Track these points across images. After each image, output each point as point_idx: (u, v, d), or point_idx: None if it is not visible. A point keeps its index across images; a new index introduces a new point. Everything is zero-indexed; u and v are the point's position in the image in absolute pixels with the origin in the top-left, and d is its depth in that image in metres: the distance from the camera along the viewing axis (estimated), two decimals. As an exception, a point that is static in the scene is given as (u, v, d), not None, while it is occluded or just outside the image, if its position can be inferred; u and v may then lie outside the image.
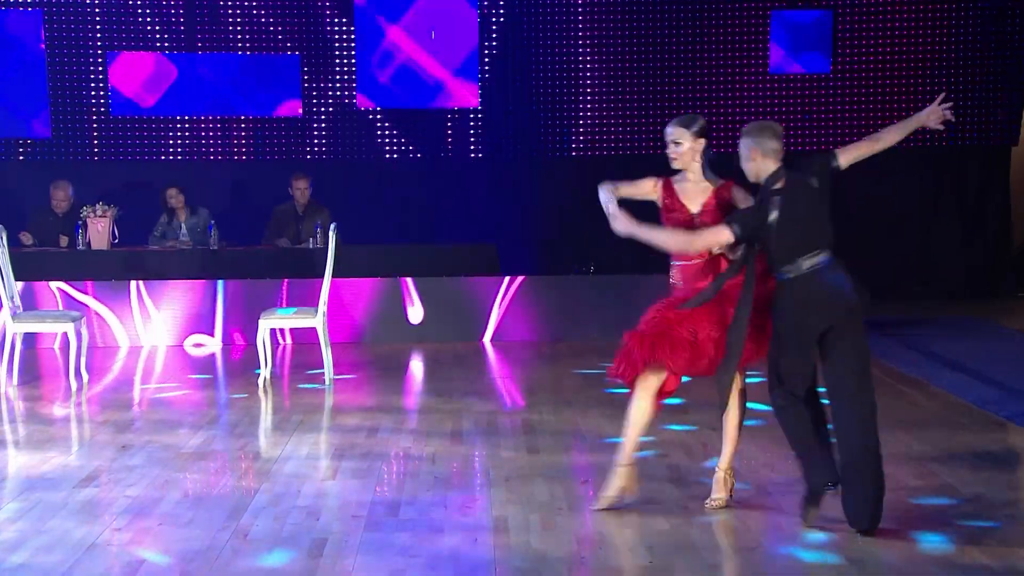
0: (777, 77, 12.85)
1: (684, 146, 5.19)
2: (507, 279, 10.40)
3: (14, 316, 8.24)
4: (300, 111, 12.58)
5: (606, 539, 4.80)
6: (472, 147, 12.72)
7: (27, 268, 9.77)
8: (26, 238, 10.70)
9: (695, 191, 5.21)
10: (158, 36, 12.42)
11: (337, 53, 12.61)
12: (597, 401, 7.65)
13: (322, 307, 8.51)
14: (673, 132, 5.21)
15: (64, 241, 10.70)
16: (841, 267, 4.92)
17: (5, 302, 8.21)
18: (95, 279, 10.24)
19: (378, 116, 12.62)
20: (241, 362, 9.44)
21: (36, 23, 12.26)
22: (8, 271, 8.24)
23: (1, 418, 7.44)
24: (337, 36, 12.60)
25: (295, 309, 8.74)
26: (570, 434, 6.72)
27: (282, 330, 10.24)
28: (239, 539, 4.82)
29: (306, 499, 5.39)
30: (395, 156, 12.68)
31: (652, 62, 12.78)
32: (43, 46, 12.29)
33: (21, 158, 12.44)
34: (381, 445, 6.45)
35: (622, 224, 5.02)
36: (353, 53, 12.56)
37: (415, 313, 10.39)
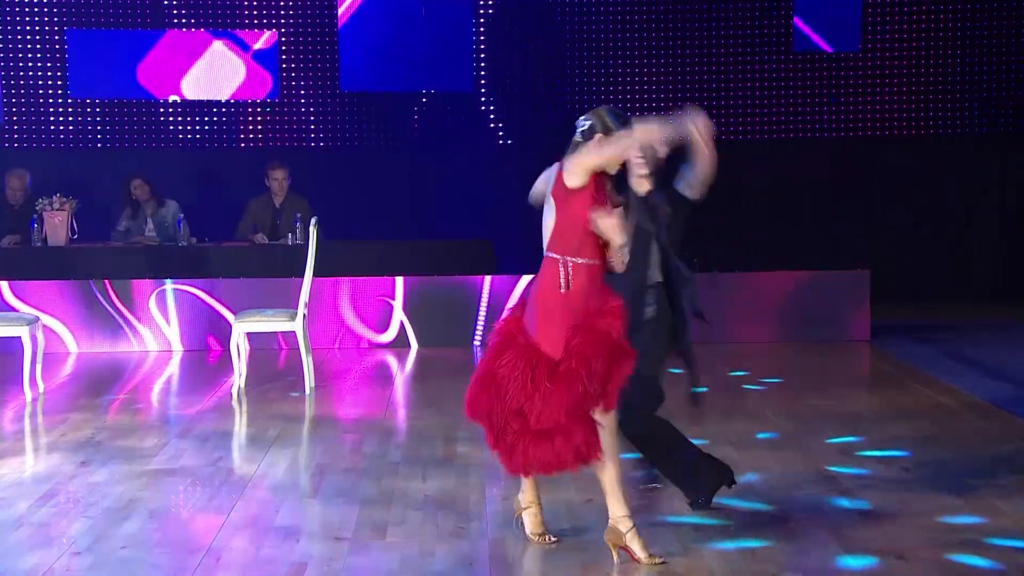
0: (801, 56, 12.85)
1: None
2: (499, 278, 10.41)
3: (-37, 319, 8.24)
4: (277, 94, 12.58)
5: (609, 559, 4.79)
6: (465, 134, 12.72)
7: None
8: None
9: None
10: (122, 12, 12.42)
11: (318, 30, 12.61)
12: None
13: (302, 309, 8.50)
14: None
15: (8, 241, 10.64)
16: None
17: (-47, 304, 8.22)
18: (52, 278, 10.23)
19: (363, 100, 12.62)
20: (213, 369, 9.43)
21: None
22: (-44, 269, 8.24)
23: (-51, 431, 7.43)
24: (318, 11, 12.60)
25: (272, 311, 8.74)
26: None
27: (258, 334, 10.22)
28: (211, 564, 4.82)
29: (284, 519, 5.39)
30: (381, 144, 12.68)
31: (664, 41, 12.79)
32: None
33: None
34: (367, 460, 6.45)
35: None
36: (336, 30, 12.56)
37: (403, 315, 10.39)
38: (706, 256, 11.45)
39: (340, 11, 12.51)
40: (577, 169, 4.72)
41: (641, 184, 5.36)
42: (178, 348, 10.27)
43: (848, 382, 8.94)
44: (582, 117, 4.90)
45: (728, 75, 12.83)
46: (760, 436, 6.98)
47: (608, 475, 4.77)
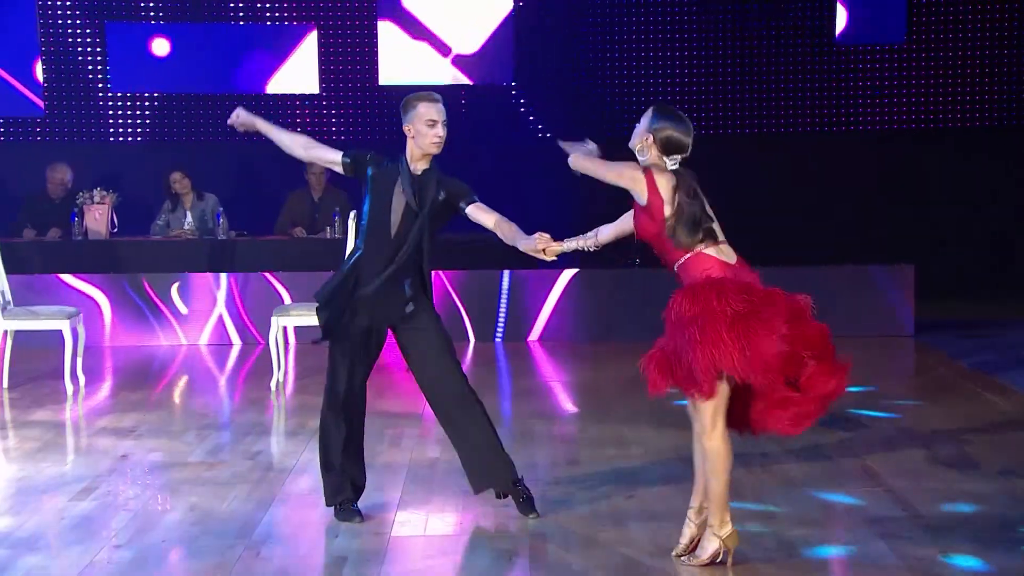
0: (845, 48, 12.75)
1: (638, 141, 4.84)
2: (535, 273, 10.39)
3: (4, 312, 8.31)
4: (317, 87, 12.61)
5: (655, 561, 4.77)
6: (503, 126, 12.71)
7: (18, 259, 9.84)
8: (28, 234, 10.78)
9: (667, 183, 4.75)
10: (162, 5, 12.49)
11: (357, 23, 12.63)
12: (643, 409, 7.61)
13: (341, 303, 8.50)
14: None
15: (55, 234, 10.74)
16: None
17: (-5, 297, 8.28)
18: (92, 271, 10.31)
19: (402, 93, 12.62)
20: (252, 363, 9.47)
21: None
22: (-2, 263, 8.31)
23: (-9, 424, 7.50)
24: (356, 4, 12.63)
25: (311, 305, 8.74)
26: (613, 445, 6.70)
27: (297, 328, 10.25)
28: (251, 558, 4.84)
29: (324, 514, 5.39)
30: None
31: (702, 31, 12.72)
32: (37, 15, 12.39)
33: (11, 138, 12.55)
34: (405, 455, 6.46)
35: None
36: (374, 23, 12.58)
37: (444, 309, 10.38)
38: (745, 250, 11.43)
39: (375, 2, 12.53)
40: None
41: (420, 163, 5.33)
42: (217, 342, 10.32)
43: (892, 376, 8.87)
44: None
45: (770, 67, 12.75)
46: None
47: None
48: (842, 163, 12.71)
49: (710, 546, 4.68)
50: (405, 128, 5.31)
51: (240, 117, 5.56)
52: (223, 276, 10.36)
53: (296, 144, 5.58)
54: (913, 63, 12.74)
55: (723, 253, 4.77)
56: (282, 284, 10.29)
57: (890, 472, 5.99)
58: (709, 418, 4.62)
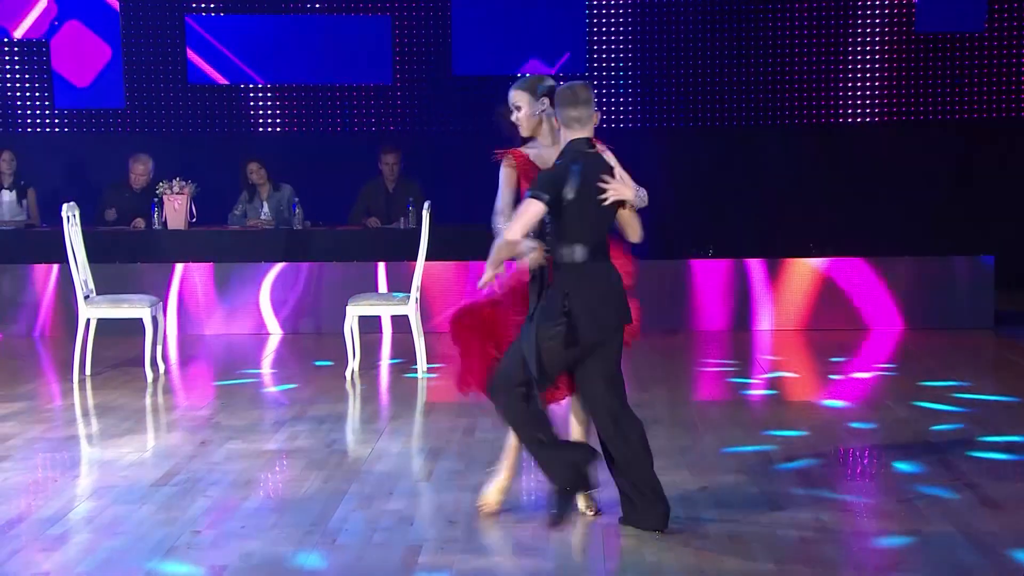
0: (924, 36, 12.58)
1: (523, 111, 5.17)
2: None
3: (87, 300, 8.47)
4: (391, 78, 12.68)
5: (729, 555, 4.76)
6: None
7: (100, 248, 10.00)
8: (110, 215, 10.98)
9: (552, 156, 5.09)
10: (238, -2, 12.64)
11: (431, 14, 12.68)
12: (717, 401, 7.61)
13: (415, 293, 8.58)
14: (512, 96, 5.22)
15: (140, 224, 10.93)
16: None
17: (78, 285, 8.44)
18: (172, 261, 10.47)
19: (475, 83, 12.66)
20: (327, 352, 9.56)
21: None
22: (81, 252, 8.47)
23: (73, 411, 7.66)
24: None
25: (386, 295, 8.83)
26: (686, 434, 6.68)
27: (369, 317, 10.34)
28: (327, 545, 4.90)
29: (398, 502, 5.45)
30: (494, 127, 12.70)
31: (776, 21, 12.61)
32: (119, 10, 12.58)
33: (93, 130, 12.77)
34: (479, 445, 6.49)
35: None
36: (448, 14, 12.62)
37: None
38: (824, 241, 11.36)
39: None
40: None
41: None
42: (293, 331, 10.44)
43: (972, 369, 8.75)
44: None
45: (844, 57, 12.61)
46: (879, 425, 6.88)
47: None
48: (922, 153, 12.54)
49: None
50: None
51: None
52: (300, 265, 10.47)
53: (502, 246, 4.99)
54: (994, 52, 12.53)
55: None
56: (356, 274, 10.38)
57: (971, 467, 5.92)
58: None
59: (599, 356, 4.90)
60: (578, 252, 4.84)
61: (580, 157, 4.88)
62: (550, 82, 5.26)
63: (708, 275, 10.40)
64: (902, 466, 5.99)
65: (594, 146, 4.96)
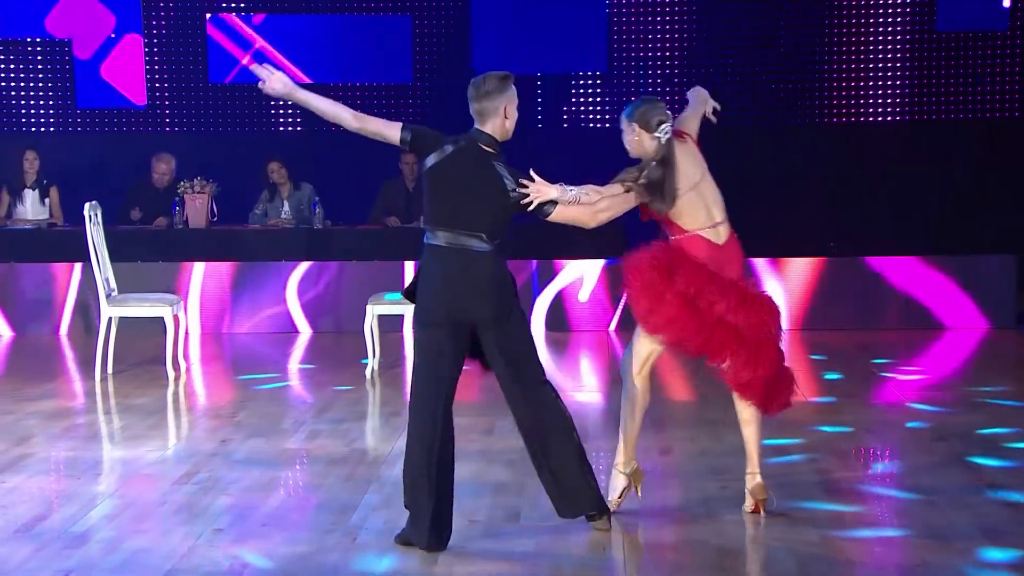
0: (946, 35, 12.51)
1: (627, 136, 5.22)
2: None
3: (109, 299, 8.50)
4: (410, 77, 12.69)
5: (749, 550, 4.76)
6: (597, 115, 12.68)
7: (122, 246, 10.04)
8: (135, 214, 11.02)
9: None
10: (259, -4, 12.67)
11: (451, 13, 12.68)
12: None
13: (435, 292, 8.58)
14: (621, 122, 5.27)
15: (162, 222, 10.97)
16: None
17: (100, 284, 8.47)
18: (193, 259, 10.51)
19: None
20: (348, 351, 9.58)
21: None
22: (103, 251, 8.50)
23: (96, 409, 7.70)
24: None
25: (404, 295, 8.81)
26: (707, 434, 6.67)
27: (392, 316, 10.34)
28: (347, 543, 4.91)
29: (419, 501, 5.44)
30: (519, 125, 12.71)
31: (797, 21, 12.57)
32: (140, 9, 12.63)
33: (115, 129, 12.82)
34: (498, 444, 6.49)
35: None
36: (468, 14, 12.62)
37: (539, 299, 10.42)
38: (846, 240, 11.33)
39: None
40: None
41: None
42: (314, 329, 10.46)
43: (995, 370, 8.71)
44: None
45: (864, 55, 12.56)
46: (908, 424, 6.85)
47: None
48: (944, 151, 12.48)
49: (619, 484, 5.18)
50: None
51: (274, 85, 5.02)
52: (320, 264, 10.50)
53: (343, 113, 5.18)
54: (1017, 50, 12.46)
55: (715, 235, 5.09)
56: (376, 273, 10.40)
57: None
58: (643, 358, 5.12)
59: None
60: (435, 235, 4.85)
61: (462, 140, 4.92)
62: (643, 108, 5.19)
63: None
64: (924, 466, 5.97)
65: (487, 142, 4.93)
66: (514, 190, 4.87)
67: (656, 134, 5.09)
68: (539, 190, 4.88)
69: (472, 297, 4.82)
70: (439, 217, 4.86)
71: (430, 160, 4.89)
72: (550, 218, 4.93)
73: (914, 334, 10.01)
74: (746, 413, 5.21)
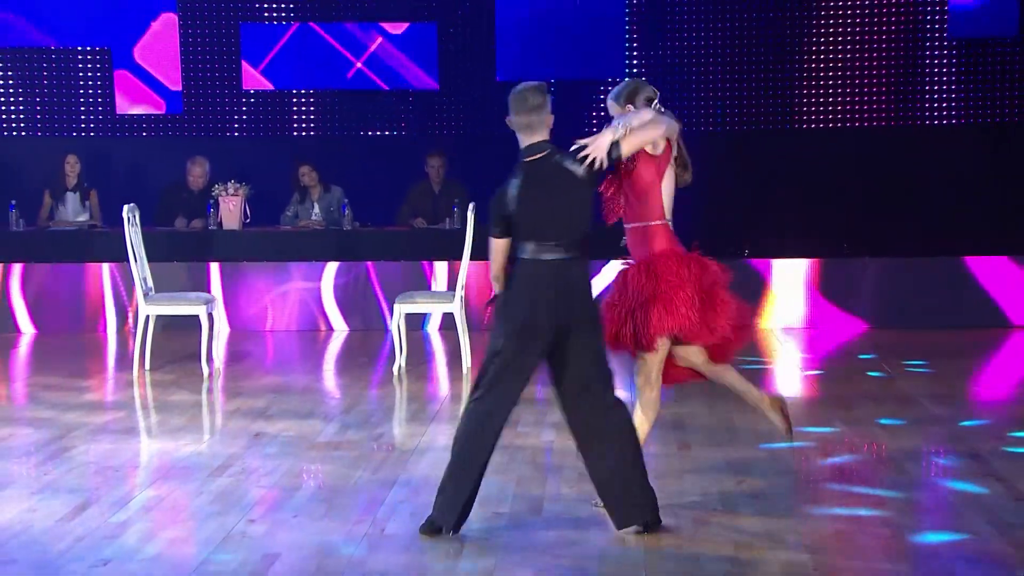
0: (957, 41, 12.43)
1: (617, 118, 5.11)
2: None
3: (146, 298, 8.54)
4: (437, 84, 12.70)
5: (764, 544, 4.74)
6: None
7: (159, 247, 10.08)
8: (180, 223, 11.03)
9: None
10: (293, 7, 12.69)
11: (476, 22, 12.68)
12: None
13: (459, 291, 8.59)
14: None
15: (198, 224, 11.00)
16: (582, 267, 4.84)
17: (138, 283, 8.51)
18: (226, 260, 10.54)
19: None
20: (375, 348, 9.60)
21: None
22: (141, 251, 8.54)
23: (134, 404, 7.73)
24: (476, 4, 12.68)
25: (432, 293, 8.84)
26: (724, 430, 6.66)
27: (419, 314, 10.37)
28: (376, 534, 4.91)
29: (444, 494, 5.44)
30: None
31: (806, 26, 12.51)
32: (176, 18, 12.67)
33: (151, 134, 12.87)
34: (522, 439, 6.49)
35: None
36: (493, 23, 12.61)
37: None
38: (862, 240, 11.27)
39: (495, 1, 12.57)
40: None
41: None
42: (343, 327, 10.48)
43: (1005, 368, 8.67)
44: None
45: (877, 61, 12.49)
46: (913, 420, 6.82)
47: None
48: (954, 155, 12.40)
49: None
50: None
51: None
52: (350, 264, 10.52)
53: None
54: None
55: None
56: (403, 272, 10.42)
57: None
58: (655, 372, 5.17)
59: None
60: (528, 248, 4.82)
61: (519, 171, 4.87)
62: (631, 86, 5.25)
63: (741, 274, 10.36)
64: (940, 459, 5.94)
65: (544, 148, 4.86)
66: (583, 170, 4.82)
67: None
68: (596, 147, 4.83)
69: (572, 301, 4.80)
70: (533, 233, 4.79)
71: (512, 203, 4.81)
72: (624, 153, 4.90)
73: (926, 333, 9.96)
74: (715, 369, 5.31)
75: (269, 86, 12.76)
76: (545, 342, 4.79)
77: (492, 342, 4.85)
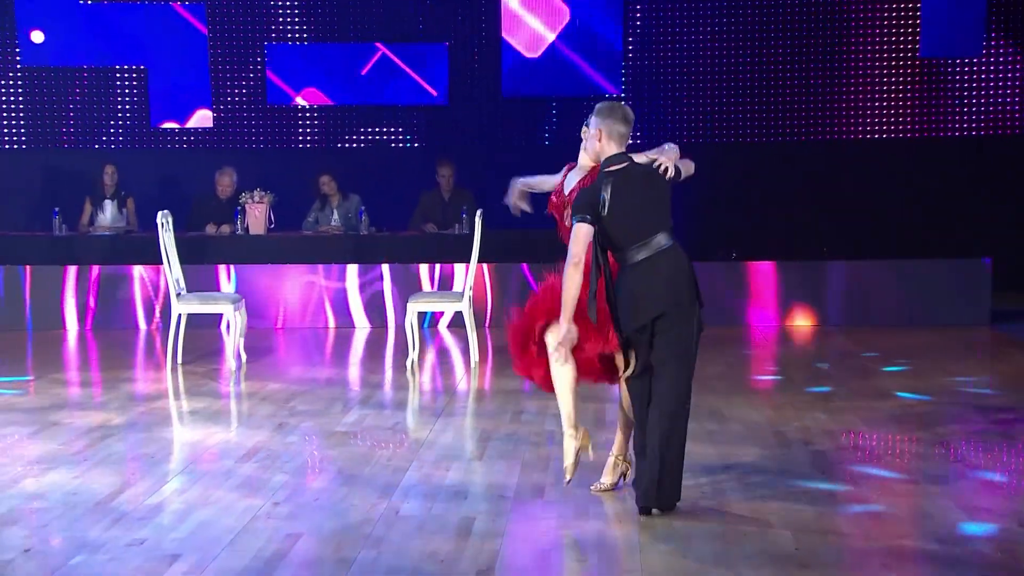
0: (928, 61, 12.43)
1: (591, 140, 5.06)
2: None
3: (179, 297, 8.56)
4: (447, 100, 12.71)
5: (750, 526, 4.74)
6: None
7: (191, 251, 10.10)
8: (211, 228, 11.04)
9: (576, 174, 5.22)
10: (315, 28, 12.71)
11: (483, 42, 12.69)
12: (741, 388, 7.57)
13: (467, 291, 8.60)
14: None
15: (226, 230, 11.01)
16: (681, 256, 4.84)
17: (171, 284, 8.53)
18: (253, 262, 10.55)
19: (521, 105, 12.65)
20: (389, 344, 9.60)
21: (200, 16, 12.67)
22: (174, 254, 8.55)
23: (168, 394, 7.74)
24: (483, 25, 12.69)
25: (442, 293, 8.84)
26: (714, 421, 6.65)
27: (430, 313, 10.38)
28: (391, 516, 4.92)
29: (454, 479, 5.46)
30: (537, 143, 12.73)
31: (787, 45, 12.51)
32: (207, 39, 12.69)
33: (185, 145, 12.89)
34: (526, 427, 6.49)
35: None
36: (499, 43, 12.63)
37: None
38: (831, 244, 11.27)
39: (501, 23, 12.58)
40: None
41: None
42: (360, 325, 10.49)
43: (974, 363, 8.66)
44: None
45: (851, 79, 12.50)
46: (887, 411, 6.82)
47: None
48: (930, 165, 12.40)
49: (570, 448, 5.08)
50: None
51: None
52: (367, 267, 10.52)
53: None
54: (991, 74, 12.38)
55: None
56: (416, 274, 10.43)
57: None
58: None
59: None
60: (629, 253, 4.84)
61: (608, 178, 4.86)
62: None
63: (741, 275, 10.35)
64: (912, 446, 5.94)
65: (626, 159, 4.91)
66: (662, 172, 4.89)
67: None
68: (668, 159, 4.90)
69: (679, 284, 4.81)
70: (634, 237, 4.80)
71: (604, 208, 4.80)
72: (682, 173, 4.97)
73: (899, 331, 9.95)
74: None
75: (293, 102, 12.78)
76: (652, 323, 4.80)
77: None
